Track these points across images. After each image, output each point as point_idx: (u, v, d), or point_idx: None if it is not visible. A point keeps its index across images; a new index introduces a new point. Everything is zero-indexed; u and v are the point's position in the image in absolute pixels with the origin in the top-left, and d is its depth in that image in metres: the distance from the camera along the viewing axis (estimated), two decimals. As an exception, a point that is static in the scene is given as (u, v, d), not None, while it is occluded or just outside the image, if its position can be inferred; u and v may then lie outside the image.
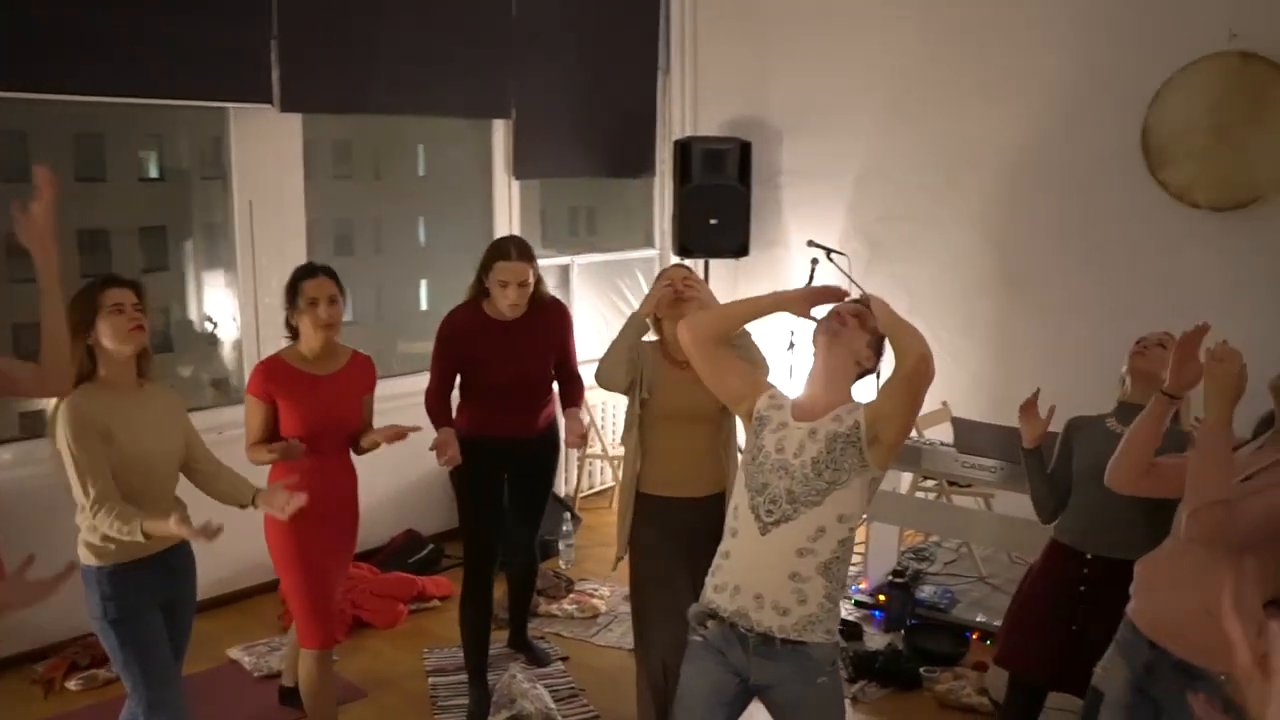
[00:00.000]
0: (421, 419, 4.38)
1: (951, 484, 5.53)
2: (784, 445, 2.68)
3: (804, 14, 6.54)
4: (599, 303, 6.83)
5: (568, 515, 5.93)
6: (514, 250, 3.95)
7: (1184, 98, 5.13)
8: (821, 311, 2.83)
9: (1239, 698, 1.80)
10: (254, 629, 4.85)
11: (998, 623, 4.81)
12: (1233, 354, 2.49)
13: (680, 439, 3.58)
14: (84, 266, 6.63)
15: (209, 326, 7.12)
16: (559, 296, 4.51)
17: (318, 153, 5.55)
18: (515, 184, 6.26)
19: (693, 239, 6.49)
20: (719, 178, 6.47)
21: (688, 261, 6.63)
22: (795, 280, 6.36)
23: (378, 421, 3.80)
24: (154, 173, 6.67)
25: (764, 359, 3.59)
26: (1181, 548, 2.61)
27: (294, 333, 3.65)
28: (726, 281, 6.74)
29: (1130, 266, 5.41)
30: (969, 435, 4.90)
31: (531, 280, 3.94)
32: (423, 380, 5.08)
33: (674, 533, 3.60)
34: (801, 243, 6.35)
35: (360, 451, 3.75)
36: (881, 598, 5.03)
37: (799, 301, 2.83)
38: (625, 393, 3.62)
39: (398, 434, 3.69)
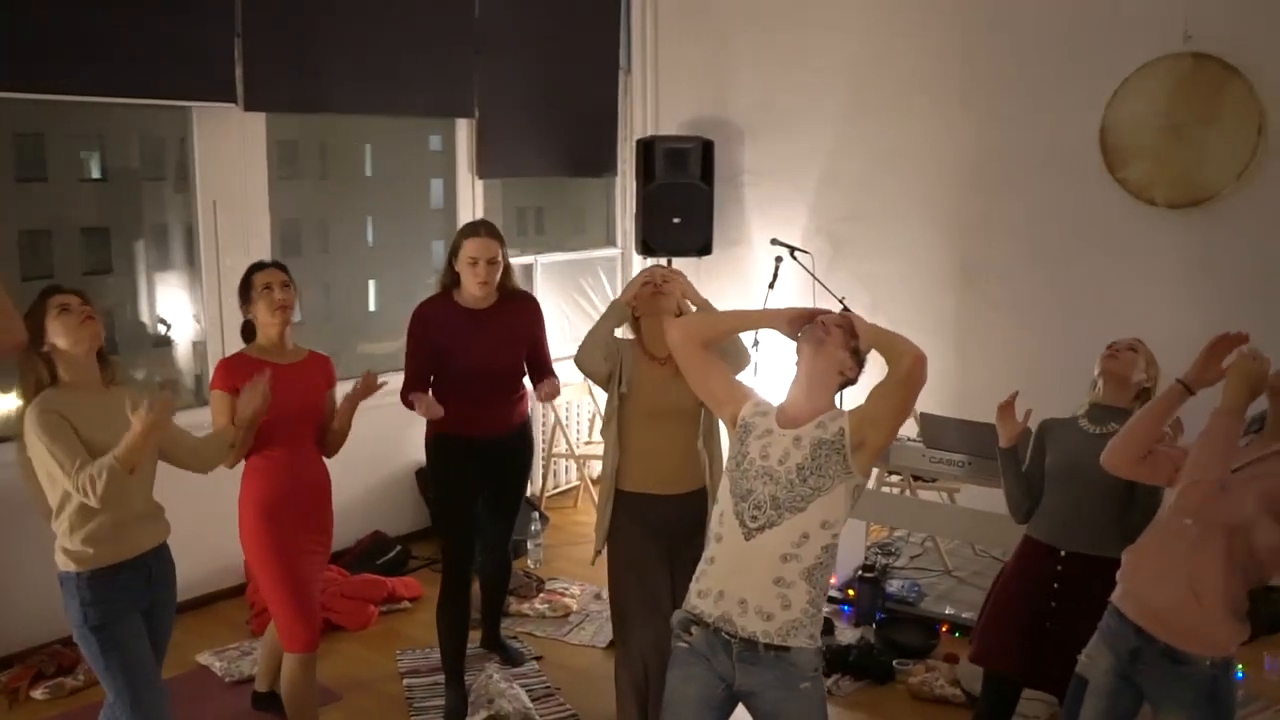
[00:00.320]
0: (384, 418, 4.38)
1: (916, 479, 5.60)
2: (769, 452, 2.71)
3: (763, 14, 6.58)
4: (563, 302, 6.82)
5: (536, 515, 5.92)
6: (482, 229, 4.00)
7: (1141, 97, 5.24)
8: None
9: None
10: (222, 634, 4.79)
11: (966, 615, 4.93)
12: (1265, 360, 2.58)
13: (659, 436, 3.60)
14: (25, 269, 6.49)
15: (161, 329, 7.01)
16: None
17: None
18: (479, 183, 6.25)
19: (656, 238, 6.51)
20: (682, 176, 6.49)
21: (651, 261, 6.68)
22: (758, 278, 6.40)
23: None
24: (96, 173, 6.56)
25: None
26: (1172, 536, 2.68)
27: (249, 333, 3.69)
28: (690, 280, 6.75)
29: (1090, 262, 5.51)
30: (936, 430, 4.97)
31: (500, 259, 3.97)
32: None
33: (654, 530, 3.62)
34: (764, 241, 6.39)
35: (332, 443, 3.76)
36: (851, 592, 5.08)
37: (786, 322, 2.88)
38: (604, 383, 3.64)
39: (368, 385, 3.70)
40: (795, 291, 6.22)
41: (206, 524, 4.00)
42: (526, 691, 4.26)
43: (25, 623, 4.50)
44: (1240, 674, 3.83)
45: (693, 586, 2.81)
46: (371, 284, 6.46)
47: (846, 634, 4.80)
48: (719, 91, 6.86)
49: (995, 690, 3.45)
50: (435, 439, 4.08)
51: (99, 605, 2.96)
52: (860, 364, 2.81)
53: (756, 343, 6.31)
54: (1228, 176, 5.06)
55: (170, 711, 3.11)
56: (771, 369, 5.70)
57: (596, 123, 6.89)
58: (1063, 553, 3.29)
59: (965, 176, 5.91)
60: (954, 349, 5.91)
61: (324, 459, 3.79)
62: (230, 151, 5.05)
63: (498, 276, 3.98)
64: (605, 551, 3.76)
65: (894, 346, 2.68)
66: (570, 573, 5.62)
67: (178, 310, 6.23)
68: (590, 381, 6.45)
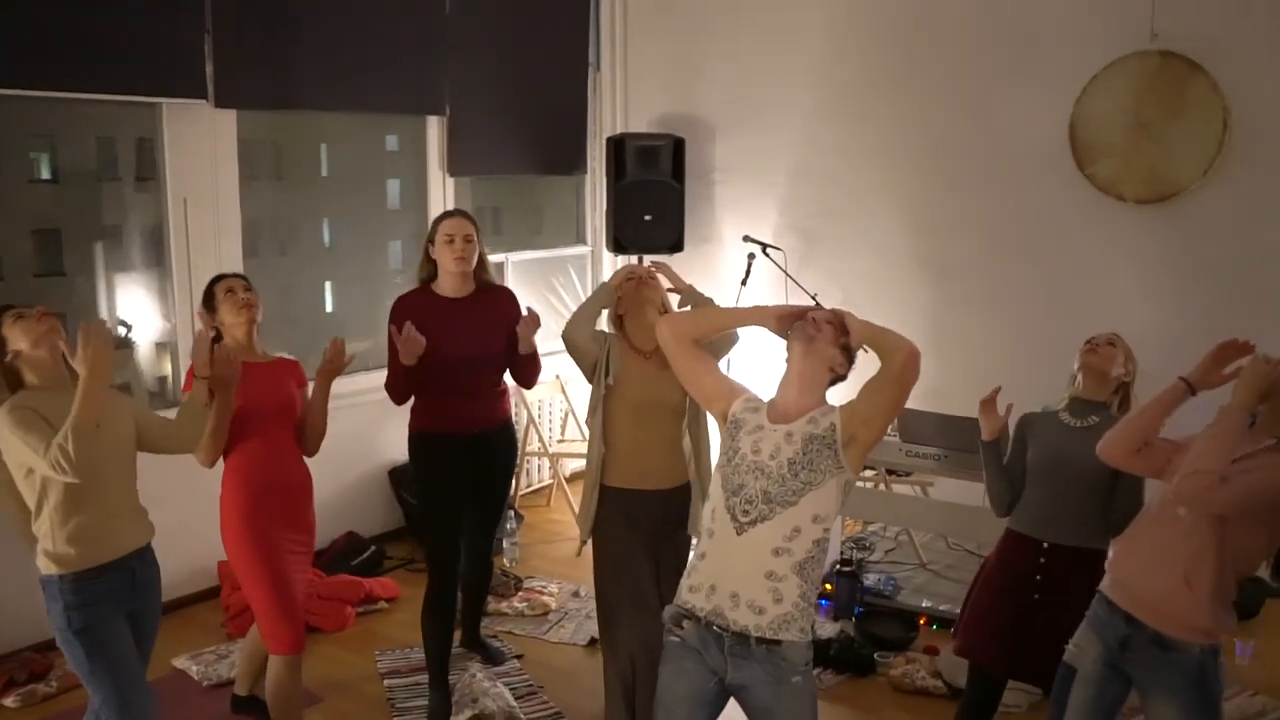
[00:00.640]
0: (357, 417, 4.33)
1: (891, 473, 5.64)
2: (760, 447, 2.72)
3: (732, 10, 6.60)
4: (534, 300, 6.78)
5: (511, 513, 5.90)
6: (456, 212, 4.10)
7: (1109, 94, 5.31)
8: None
9: None
10: (198, 637, 4.73)
11: (943, 607, 4.98)
12: (1276, 364, 2.64)
13: (645, 430, 3.61)
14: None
15: (122, 331, 6.90)
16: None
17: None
18: (450, 181, 6.22)
19: (628, 235, 6.52)
20: (653, 174, 6.50)
21: (623, 259, 6.70)
22: (730, 275, 6.42)
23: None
24: (46, 174, 6.43)
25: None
26: (1162, 527, 2.72)
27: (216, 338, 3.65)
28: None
29: (1059, 257, 5.58)
30: (912, 424, 5.01)
31: (475, 240, 3.99)
32: (351, 382, 5.07)
33: (639, 526, 3.63)
34: (735, 238, 6.41)
35: (311, 436, 3.73)
36: (828, 586, 5.10)
37: (774, 319, 2.89)
38: (590, 369, 3.65)
39: (336, 351, 3.68)
40: (768, 288, 6.25)
41: (178, 527, 3.93)
42: (510, 690, 4.24)
43: (-4, 630, 4.42)
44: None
45: (684, 581, 2.82)
46: (328, 285, 6.40)
47: (826, 628, 4.82)
48: (689, 89, 6.87)
49: (980, 682, 3.47)
50: (418, 438, 4.04)
51: (82, 608, 2.91)
52: (850, 360, 2.83)
53: (749, 274, 6.34)
54: (1194, 172, 5.15)
55: (158, 713, 3.07)
56: (745, 365, 5.71)
57: (566, 120, 6.88)
58: (1045, 545, 3.32)
59: (936, 172, 5.96)
60: (926, 344, 5.82)
61: (304, 458, 3.76)
62: (201, 149, 4.98)
63: (474, 257, 3.99)
64: (590, 547, 3.75)
65: (886, 343, 2.71)
66: (547, 571, 5.61)
67: (139, 312, 6.14)
68: (562, 380, 6.49)
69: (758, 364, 3.72)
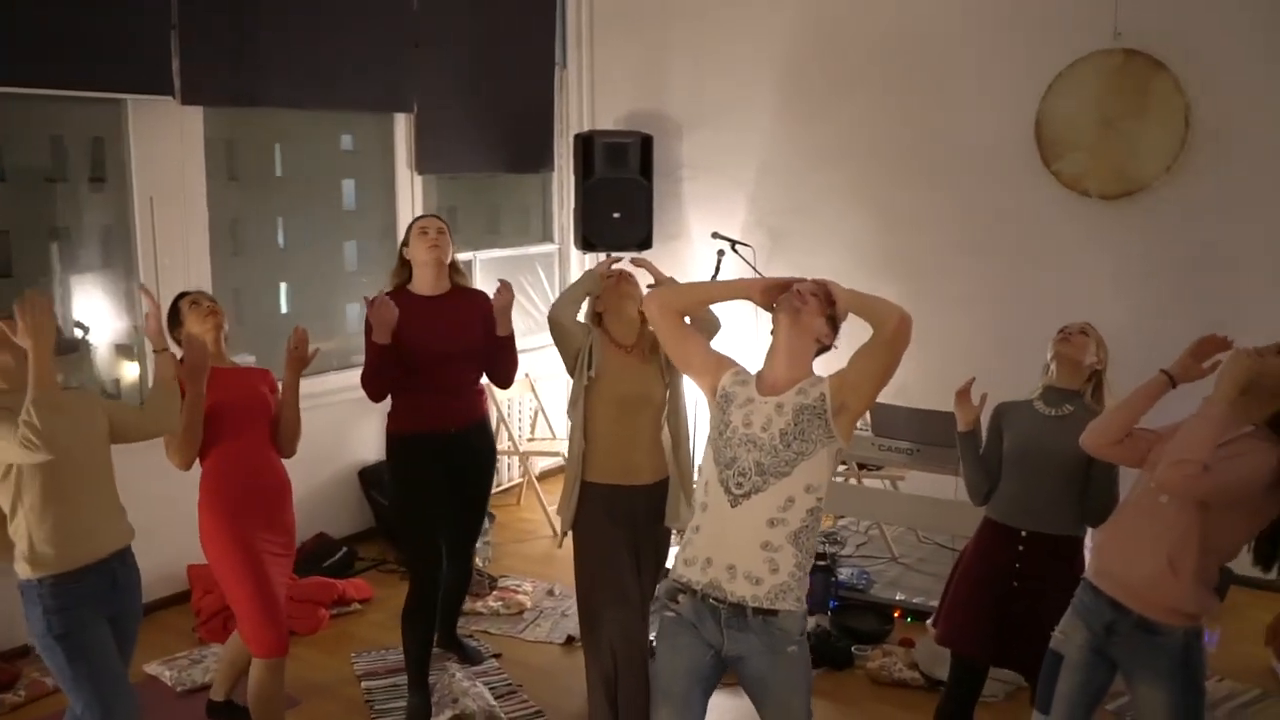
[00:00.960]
0: (325, 417, 4.29)
1: (862, 466, 5.68)
2: (751, 420, 2.75)
3: (698, 9, 6.61)
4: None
5: (483, 513, 5.87)
6: (427, 215, 4.18)
7: (1074, 92, 5.39)
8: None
9: None
10: (169, 642, 4.66)
11: (917, 600, 5.03)
12: (1255, 356, 2.68)
13: (625, 425, 3.63)
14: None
15: (79, 333, 6.79)
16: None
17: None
18: (418, 179, 6.19)
19: (596, 233, 6.51)
20: (621, 171, 6.49)
21: (591, 257, 6.69)
22: (699, 272, 6.43)
23: None
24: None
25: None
26: (1145, 515, 2.76)
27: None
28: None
29: (1027, 252, 5.65)
30: (885, 418, 5.06)
31: (448, 234, 4.04)
32: (320, 383, 5.14)
33: (619, 521, 3.64)
34: (704, 235, 6.42)
35: (286, 435, 3.72)
36: (803, 581, 5.12)
37: (761, 292, 2.90)
38: (572, 360, 3.65)
39: (300, 340, 3.68)
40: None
41: (145, 531, 3.83)
42: (489, 690, 4.23)
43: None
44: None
45: (679, 555, 2.85)
46: (283, 287, 6.34)
47: (802, 622, 4.85)
48: (656, 86, 6.87)
49: (962, 671, 3.50)
50: (397, 440, 4.01)
51: (62, 613, 2.86)
52: (836, 330, 2.86)
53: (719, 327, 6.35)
54: (1158, 168, 5.23)
55: (141, 718, 3.02)
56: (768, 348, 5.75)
57: (533, 118, 6.85)
58: (1024, 534, 3.35)
59: (903, 169, 6.01)
60: (894, 339, 5.99)
61: (281, 459, 3.73)
62: (167, 147, 4.91)
63: (448, 248, 4.03)
64: (570, 542, 3.76)
65: (876, 311, 2.72)
66: (521, 569, 5.59)
67: (96, 314, 6.04)
68: (532, 378, 6.46)
69: (742, 341, 3.71)
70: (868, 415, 5.03)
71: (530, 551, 5.94)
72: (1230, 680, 4.37)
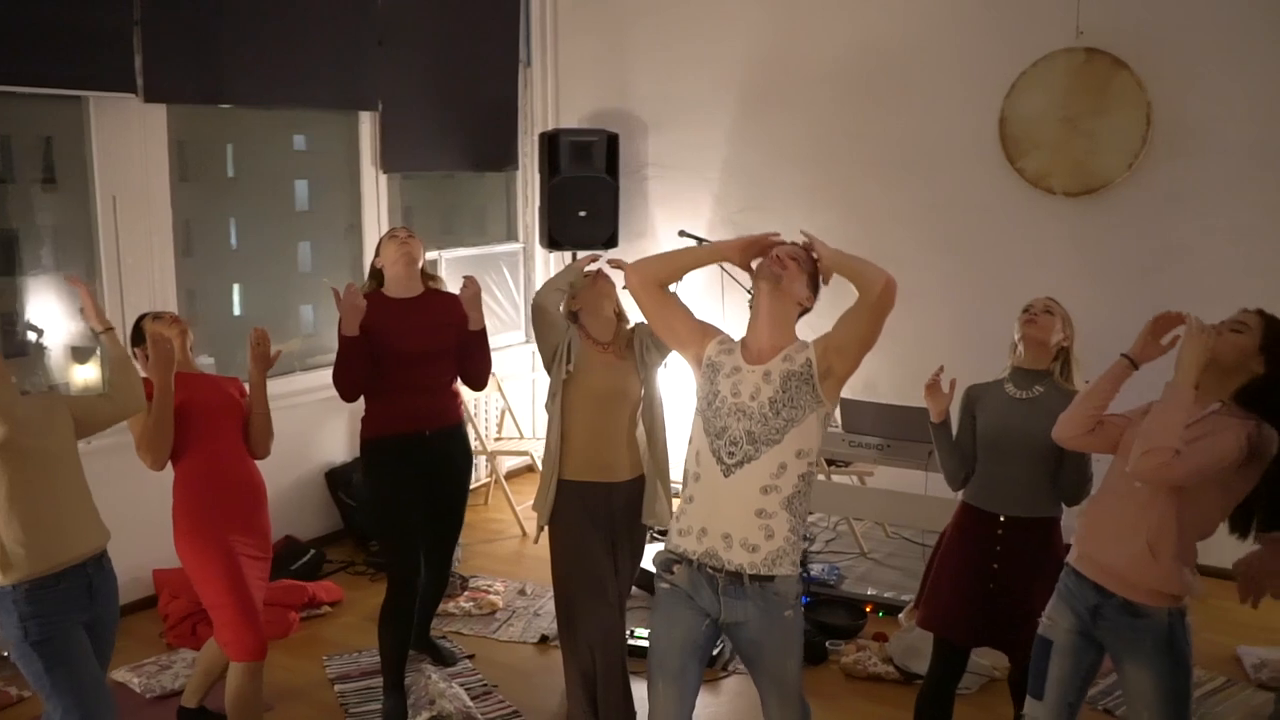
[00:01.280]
0: (291, 419, 4.26)
1: (830, 463, 5.71)
2: (740, 389, 2.78)
3: (662, 6, 6.62)
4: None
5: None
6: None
7: (1037, 90, 5.45)
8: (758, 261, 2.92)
9: None
10: (135, 649, 4.59)
11: (888, 594, 5.06)
12: (1211, 331, 2.70)
13: (602, 422, 3.64)
14: None
15: (32, 336, 6.66)
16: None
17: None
18: (384, 178, 6.14)
19: (562, 231, 6.49)
20: (587, 170, 6.47)
21: (556, 255, 6.67)
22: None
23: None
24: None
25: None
26: (1123, 499, 2.80)
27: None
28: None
29: (992, 249, 5.72)
30: (854, 414, 5.09)
31: (418, 239, 4.08)
32: (285, 383, 5.22)
33: (596, 518, 3.64)
34: (670, 233, 6.42)
35: (257, 435, 3.70)
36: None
37: (738, 252, 2.92)
38: (550, 354, 3.65)
39: (260, 339, 3.66)
40: (704, 284, 6.25)
41: (117, 536, 3.82)
42: (465, 690, 4.20)
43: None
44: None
45: (673, 526, 2.89)
46: (236, 288, 6.26)
47: (775, 618, 4.87)
48: (620, 84, 6.87)
49: (945, 653, 3.53)
50: (372, 444, 3.98)
51: (39, 618, 2.81)
52: (817, 291, 2.89)
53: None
54: (1120, 166, 5.31)
55: None
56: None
57: (498, 117, 6.82)
58: (1002, 518, 3.38)
59: (869, 167, 6.05)
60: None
61: (254, 461, 3.70)
62: (130, 146, 4.83)
63: (420, 250, 4.06)
64: (542, 542, 3.75)
65: (862, 274, 2.75)
66: (491, 569, 5.56)
67: (52, 316, 5.93)
68: (499, 378, 6.43)
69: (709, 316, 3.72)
70: (838, 412, 5.05)
71: (499, 551, 5.92)
72: (1196, 668, 4.43)
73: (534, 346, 7.16)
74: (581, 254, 6.50)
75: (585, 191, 6.47)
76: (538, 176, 6.68)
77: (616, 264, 3.84)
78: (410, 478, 3.96)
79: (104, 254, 4.82)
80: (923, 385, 3.52)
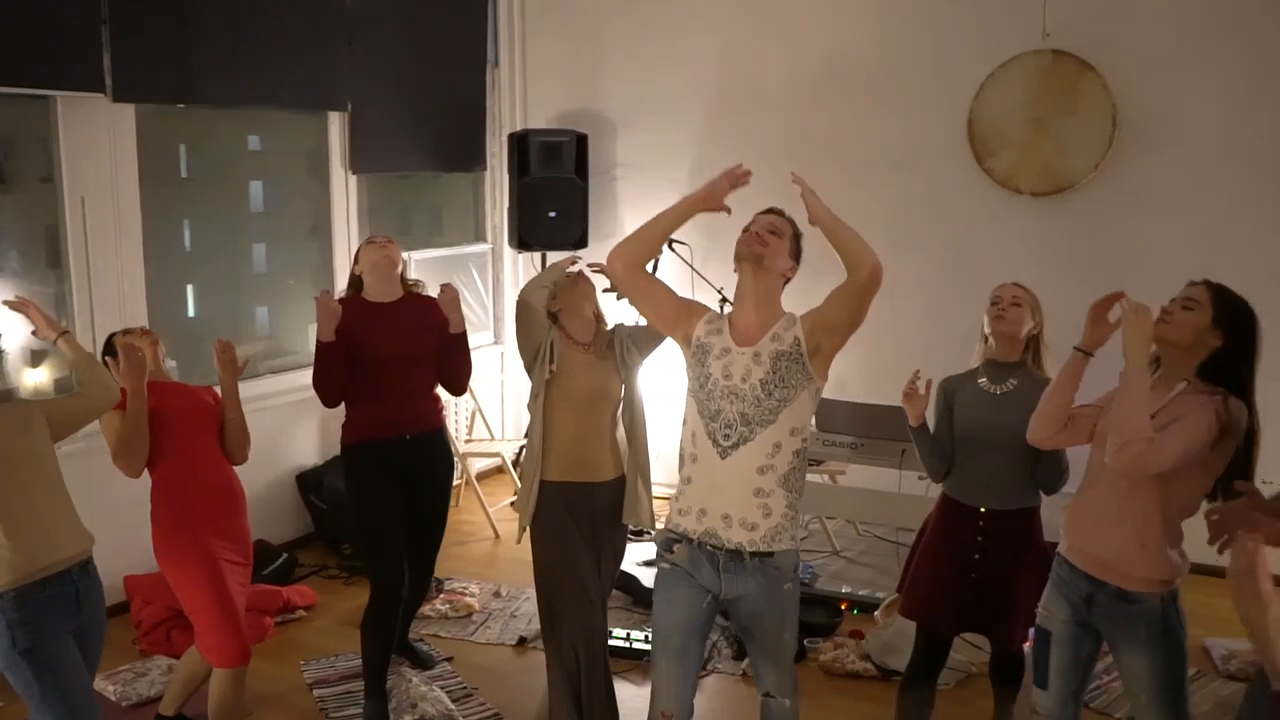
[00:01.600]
0: (262, 422, 4.27)
1: (803, 462, 5.74)
2: (731, 371, 2.82)
3: (630, 6, 6.62)
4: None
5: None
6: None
7: (1005, 91, 5.53)
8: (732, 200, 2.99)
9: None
10: (109, 656, 4.40)
11: (862, 592, 5.10)
12: (1146, 308, 2.74)
13: (584, 422, 3.63)
14: None
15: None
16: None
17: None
18: (353, 178, 6.10)
19: (531, 232, 6.48)
20: (557, 170, 6.48)
21: (525, 256, 6.66)
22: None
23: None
24: None
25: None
26: (1105, 489, 2.84)
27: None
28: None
29: (960, 248, 5.78)
30: (827, 414, 5.12)
31: (396, 244, 4.10)
32: (255, 386, 5.11)
33: (578, 519, 3.63)
34: (640, 234, 6.42)
35: (233, 440, 3.69)
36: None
37: (709, 198, 2.94)
38: (533, 355, 3.64)
39: (224, 348, 3.65)
40: (675, 283, 6.26)
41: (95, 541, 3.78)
42: (446, 693, 4.19)
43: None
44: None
45: (672, 506, 2.95)
46: (190, 289, 6.20)
47: (752, 617, 4.89)
48: (589, 84, 6.87)
49: (927, 642, 3.57)
50: (352, 450, 3.96)
51: (26, 626, 2.77)
52: (799, 257, 3.00)
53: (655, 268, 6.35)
54: (1086, 166, 5.39)
55: None
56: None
57: (466, 117, 6.80)
58: (982, 510, 3.43)
59: (838, 167, 6.07)
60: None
61: (232, 466, 3.68)
62: (98, 145, 4.76)
63: (398, 254, 4.08)
64: (520, 543, 3.74)
65: (851, 251, 2.82)
66: (466, 572, 5.55)
67: (10, 320, 5.85)
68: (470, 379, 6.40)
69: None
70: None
71: (472, 553, 5.90)
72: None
73: (503, 348, 7.17)
74: (553, 255, 6.56)
75: (555, 192, 6.47)
76: (506, 177, 6.66)
77: (597, 267, 3.84)
78: (391, 483, 3.94)
79: (73, 255, 4.74)
80: (894, 383, 3.57)
